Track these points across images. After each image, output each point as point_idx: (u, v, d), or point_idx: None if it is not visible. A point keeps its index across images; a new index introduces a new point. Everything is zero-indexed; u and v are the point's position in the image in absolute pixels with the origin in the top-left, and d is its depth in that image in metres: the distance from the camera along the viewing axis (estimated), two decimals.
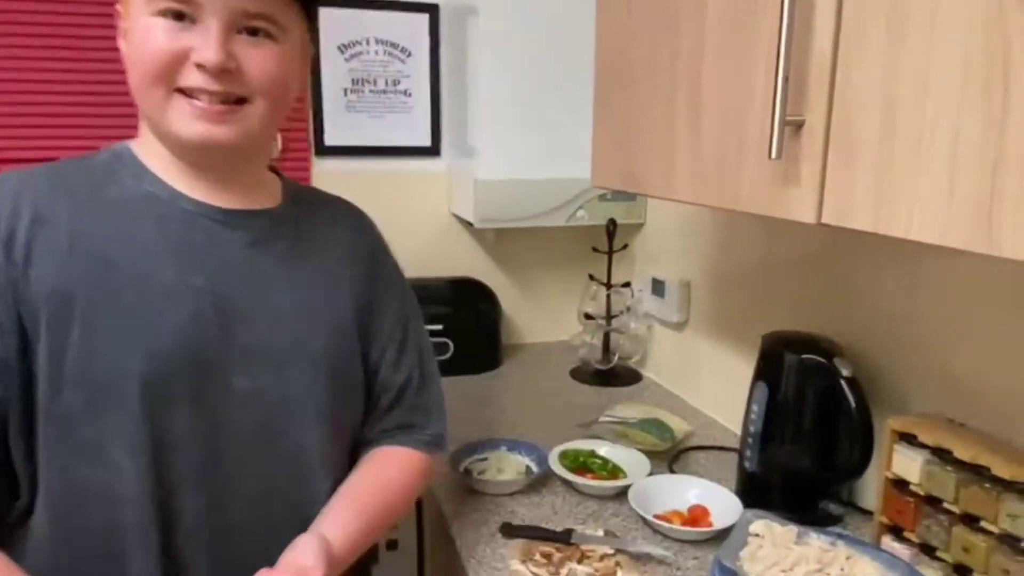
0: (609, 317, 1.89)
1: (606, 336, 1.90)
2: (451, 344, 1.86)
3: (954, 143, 0.61)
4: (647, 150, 1.10)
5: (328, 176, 1.91)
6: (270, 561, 0.76)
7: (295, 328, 0.83)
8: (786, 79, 0.75)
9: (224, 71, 0.72)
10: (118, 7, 0.79)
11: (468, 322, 1.92)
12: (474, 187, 1.76)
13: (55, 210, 0.74)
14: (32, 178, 0.76)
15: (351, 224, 0.96)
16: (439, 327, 1.85)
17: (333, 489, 0.88)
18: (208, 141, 0.74)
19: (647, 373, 1.93)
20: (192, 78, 0.72)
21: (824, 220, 0.77)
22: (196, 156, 0.78)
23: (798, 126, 0.78)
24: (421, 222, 2.01)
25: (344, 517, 0.85)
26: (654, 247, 1.92)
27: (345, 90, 1.89)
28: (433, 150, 1.99)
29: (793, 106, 0.78)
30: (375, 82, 1.91)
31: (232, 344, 0.77)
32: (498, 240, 2.05)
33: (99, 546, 0.74)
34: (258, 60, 0.74)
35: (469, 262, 2.05)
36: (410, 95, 1.94)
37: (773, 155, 0.77)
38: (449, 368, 1.86)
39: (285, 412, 0.81)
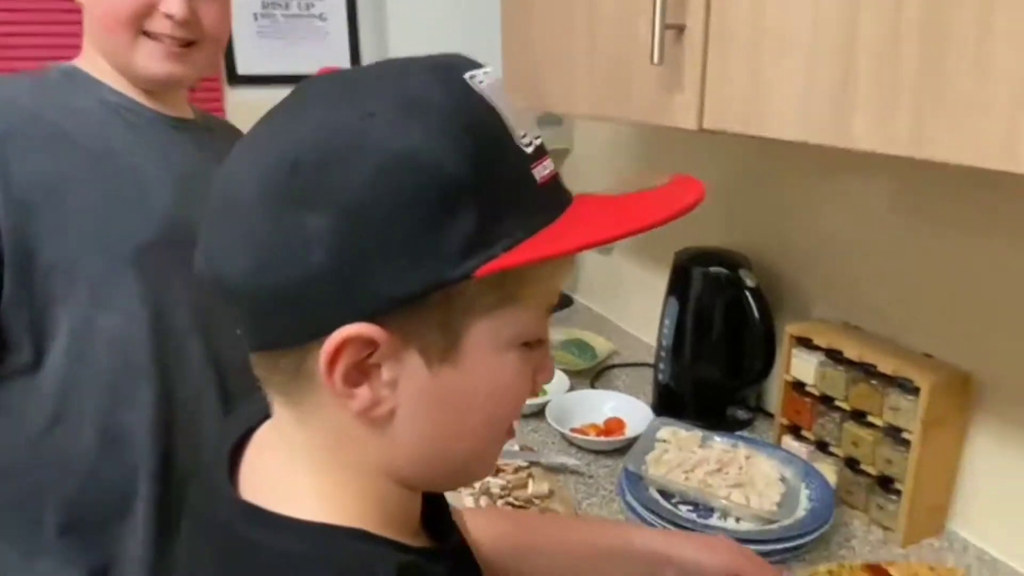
0: None
1: None
2: None
3: (813, 42, 0.61)
4: (549, 65, 1.08)
5: (242, 107, 1.84)
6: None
7: None
8: None
9: (185, 21, 0.85)
10: None
11: None
12: None
13: (35, 111, 0.83)
14: (7, 85, 0.86)
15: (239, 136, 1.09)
16: None
17: None
18: (170, 77, 0.88)
19: (577, 297, 1.95)
20: (159, 24, 0.85)
21: (705, 126, 0.77)
22: (153, 86, 0.90)
23: (680, 30, 0.77)
24: None
25: None
26: (581, 172, 1.92)
27: (255, 15, 1.81)
28: None
29: (675, 11, 0.77)
30: (287, 5, 1.83)
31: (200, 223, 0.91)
32: None
33: (110, 386, 0.85)
34: (211, 12, 0.88)
35: None
36: (325, 19, 1.87)
37: (655, 59, 0.77)
38: None
39: None
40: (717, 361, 1.25)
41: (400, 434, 0.41)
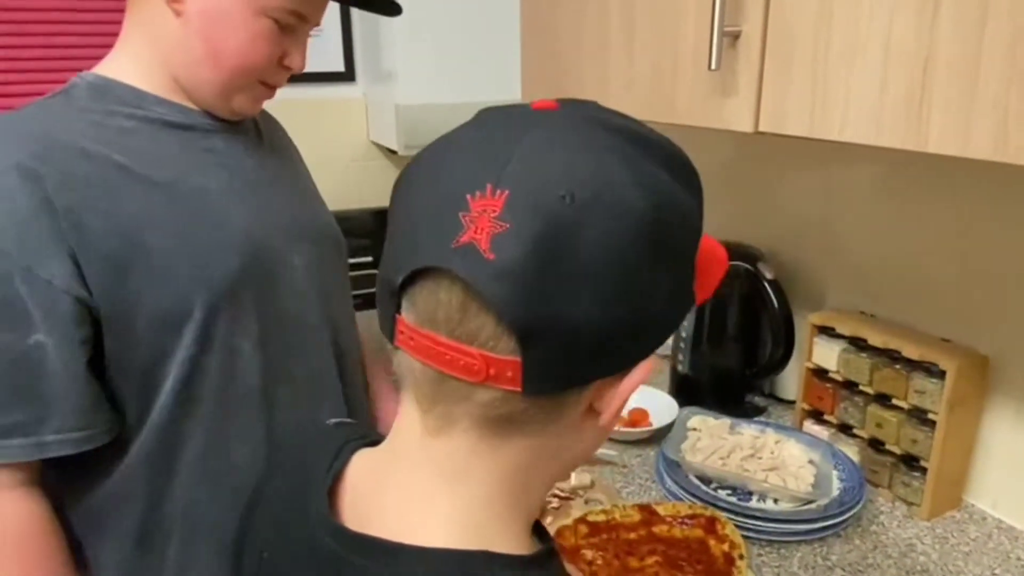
0: None
1: None
2: None
3: (887, 46, 0.65)
4: (579, 65, 1.11)
5: None
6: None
7: (308, 209, 0.94)
8: None
9: (300, 72, 0.84)
10: None
11: None
12: (395, 113, 1.72)
13: (81, 146, 0.73)
14: (38, 129, 0.74)
15: (277, 124, 1.04)
16: (368, 259, 1.82)
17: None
18: (254, 113, 0.87)
19: None
20: (276, 75, 0.82)
21: (761, 128, 0.81)
22: (230, 117, 0.85)
23: (735, 36, 0.81)
24: (340, 152, 1.95)
25: None
26: None
27: None
28: (347, 75, 1.92)
29: (729, 17, 0.80)
30: None
31: (282, 230, 0.86)
32: None
33: (215, 431, 0.81)
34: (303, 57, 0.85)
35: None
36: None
37: (713, 66, 0.80)
38: None
39: (326, 277, 0.92)
40: (736, 351, 1.30)
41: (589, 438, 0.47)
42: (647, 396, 1.32)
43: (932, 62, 0.61)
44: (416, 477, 0.45)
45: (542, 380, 0.40)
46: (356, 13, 1.88)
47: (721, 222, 1.45)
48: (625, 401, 0.44)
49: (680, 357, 1.34)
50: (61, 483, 0.77)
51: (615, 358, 0.42)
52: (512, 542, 0.44)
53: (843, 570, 0.93)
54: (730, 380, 1.32)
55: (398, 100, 1.71)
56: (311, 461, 0.51)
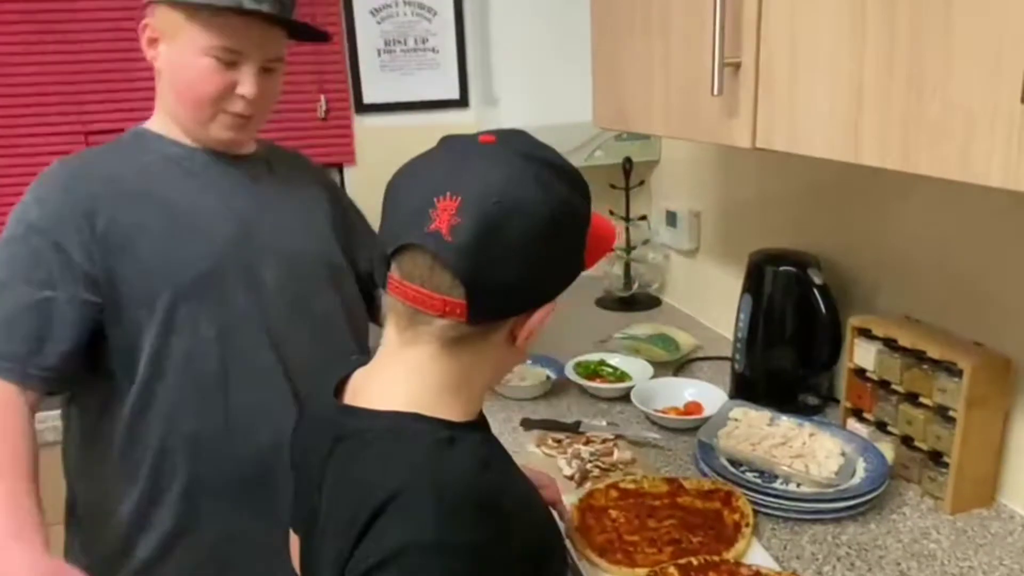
0: (628, 248, 2.06)
1: (626, 266, 2.08)
2: None
3: (832, 80, 0.77)
4: (632, 91, 1.26)
5: (368, 131, 2.11)
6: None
7: (293, 236, 1.14)
8: (722, 27, 0.91)
9: (255, 98, 1.02)
10: (147, 22, 1.03)
11: None
12: None
13: (112, 173, 1.03)
14: (84, 162, 1.05)
15: (304, 163, 1.28)
16: None
17: (360, 342, 1.22)
18: (234, 142, 1.08)
19: (665, 298, 2.10)
20: (234, 103, 1.03)
21: (758, 145, 0.93)
22: (220, 148, 1.09)
23: (736, 66, 0.94)
24: None
25: None
26: (668, 182, 2.07)
27: (379, 51, 2.07)
28: (462, 102, 2.16)
29: (732, 50, 0.93)
30: (405, 41, 2.08)
31: (260, 247, 1.07)
32: None
33: (177, 401, 1.03)
34: (267, 88, 1.04)
35: None
36: (437, 52, 2.11)
37: (715, 92, 0.93)
38: None
39: (298, 293, 1.11)
40: (788, 352, 1.38)
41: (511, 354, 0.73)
42: (704, 391, 1.43)
43: (861, 93, 0.72)
44: (390, 372, 0.69)
45: (480, 314, 0.64)
46: (470, 44, 2.12)
47: (787, 234, 1.53)
48: (534, 331, 0.68)
49: (737, 357, 1.44)
50: (83, 413, 1.06)
51: (527, 301, 0.66)
52: (445, 414, 0.66)
53: (849, 548, 1.01)
54: (784, 379, 1.40)
55: (502, 123, 1.93)
56: (331, 375, 0.76)
